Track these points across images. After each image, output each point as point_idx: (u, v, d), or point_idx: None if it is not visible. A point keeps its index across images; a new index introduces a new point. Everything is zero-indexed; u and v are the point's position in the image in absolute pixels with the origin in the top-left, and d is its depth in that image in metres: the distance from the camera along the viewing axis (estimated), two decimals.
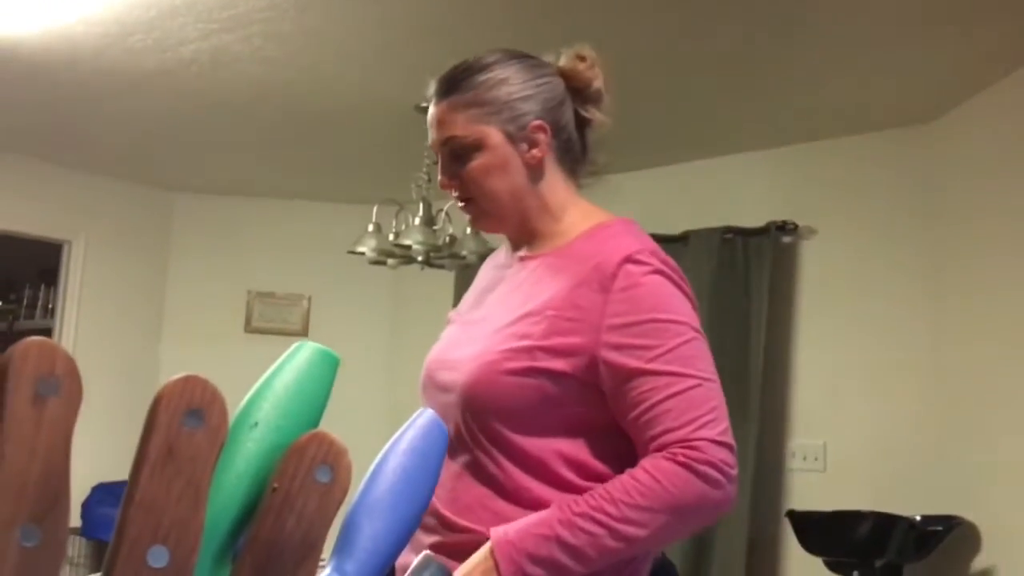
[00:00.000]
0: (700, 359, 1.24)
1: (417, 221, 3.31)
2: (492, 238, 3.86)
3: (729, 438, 1.21)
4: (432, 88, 1.35)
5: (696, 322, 1.27)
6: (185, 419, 0.42)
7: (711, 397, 1.22)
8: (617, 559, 1.19)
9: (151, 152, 4.26)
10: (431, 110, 1.36)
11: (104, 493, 3.91)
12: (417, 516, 0.52)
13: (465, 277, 4.49)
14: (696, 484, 1.16)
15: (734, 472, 1.20)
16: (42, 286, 5.19)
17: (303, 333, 4.90)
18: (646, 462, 1.18)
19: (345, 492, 0.46)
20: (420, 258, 3.36)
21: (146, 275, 4.82)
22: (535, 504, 1.20)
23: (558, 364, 1.24)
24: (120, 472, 4.14)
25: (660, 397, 1.20)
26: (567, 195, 1.38)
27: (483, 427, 1.25)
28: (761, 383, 3.57)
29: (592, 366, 1.23)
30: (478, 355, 1.28)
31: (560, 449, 1.24)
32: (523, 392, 1.24)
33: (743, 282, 3.69)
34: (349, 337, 4.71)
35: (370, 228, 3.45)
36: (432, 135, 1.35)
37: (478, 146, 1.32)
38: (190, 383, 0.43)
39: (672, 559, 3.59)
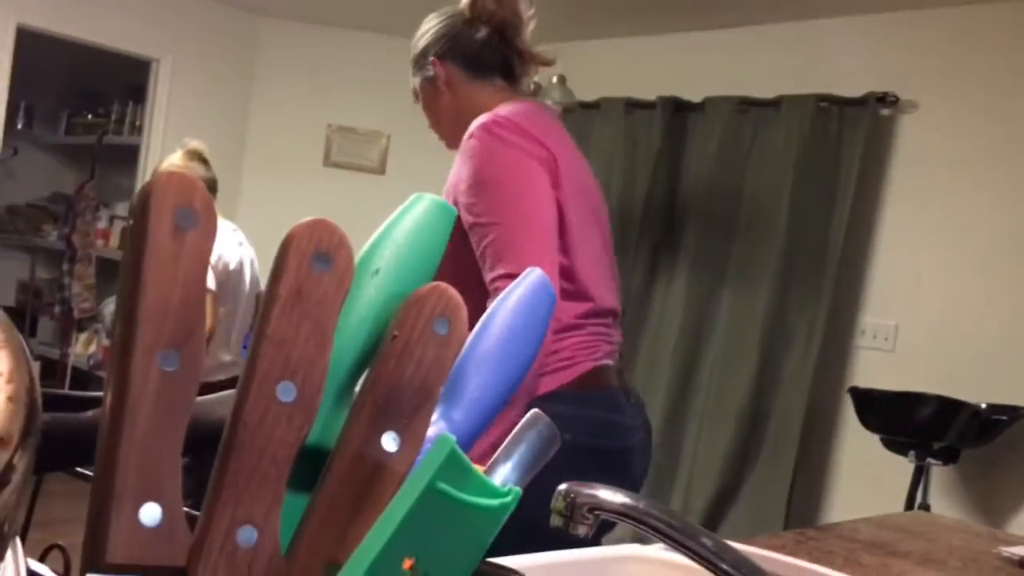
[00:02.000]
0: (498, 207, 1.47)
1: None
2: (577, 89, 3.81)
3: (504, 281, 1.41)
4: None
5: (506, 171, 1.50)
6: (313, 262, 0.43)
7: (499, 238, 1.45)
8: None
9: None
10: None
11: None
12: (523, 371, 0.54)
13: None
14: None
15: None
16: (130, 102, 5.26)
17: (380, 171, 4.93)
18: None
19: (461, 345, 0.47)
20: None
21: (231, 100, 4.85)
22: None
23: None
24: None
25: (481, 248, 1.48)
26: (492, 101, 1.64)
27: None
28: (839, 258, 3.51)
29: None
30: None
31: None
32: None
33: (834, 154, 3.58)
34: (426, 178, 4.71)
35: None
36: None
37: (417, 98, 1.76)
38: (319, 227, 0.43)
39: (728, 424, 3.67)
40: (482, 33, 1.68)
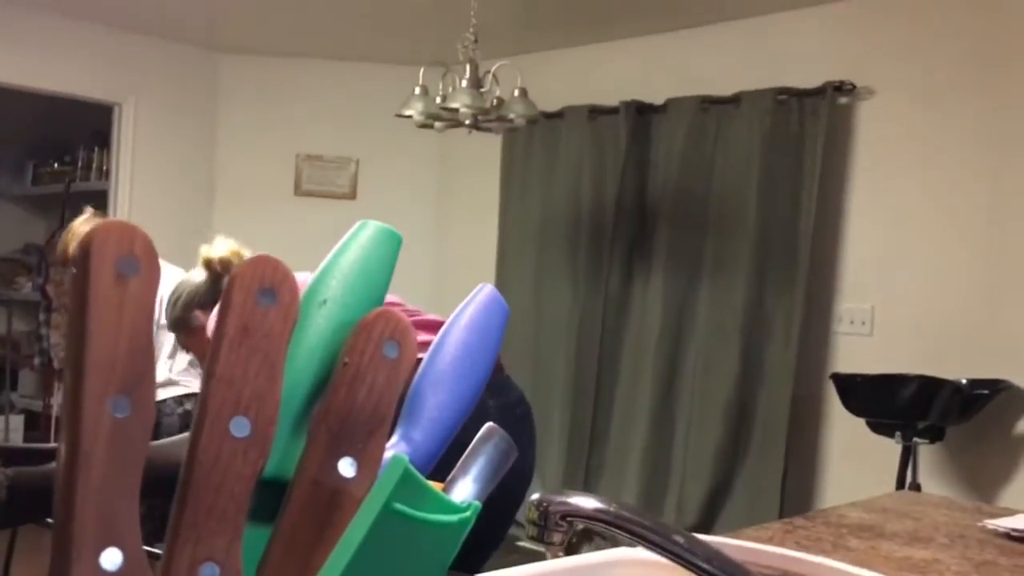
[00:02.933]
0: None
1: (464, 83, 3.26)
2: (540, 101, 3.82)
3: None
4: None
5: None
6: (259, 298, 0.43)
7: None
8: None
9: (197, 11, 4.21)
10: None
11: None
12: (478, 387, 0.54)
13: (512, 141, 4.46)
14: None
15: None
16: (96, 148, 5.25)
17: (351, 196, 4.94)
18: None
19: (411, 366, 0.47)
20: (467, 121, 3.32)
21: (196, 137, 4.84)
22: None
23: None
24: None
25: None
26: None
27: None
28: (811, 247, 3.54)
29: None
30: None
31: None
32: None
33: (796, 144, 3.62)
34: (396, 200, 4.74)
35: (417, 91, 3.41)
36: None
37: (187, 349, 2.38)
38: (261, 263, 0.44)
39: (716, 420, 3.69)
40: (225, 282, 2.15)
